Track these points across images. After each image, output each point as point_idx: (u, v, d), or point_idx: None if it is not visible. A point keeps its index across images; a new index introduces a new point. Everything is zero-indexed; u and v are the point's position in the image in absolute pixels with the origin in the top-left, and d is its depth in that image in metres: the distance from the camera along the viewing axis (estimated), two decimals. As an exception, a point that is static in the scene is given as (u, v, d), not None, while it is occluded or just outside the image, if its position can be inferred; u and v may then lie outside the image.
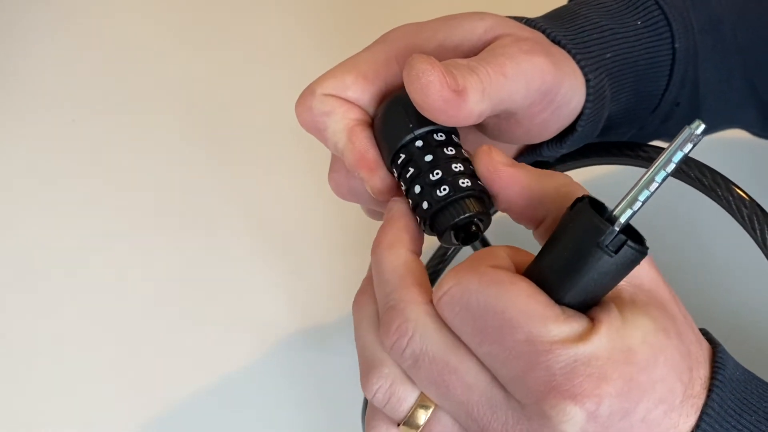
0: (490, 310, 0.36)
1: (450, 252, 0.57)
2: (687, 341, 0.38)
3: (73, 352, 0.61)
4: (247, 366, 0.61)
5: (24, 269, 0.65)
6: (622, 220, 0.34)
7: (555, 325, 0.35)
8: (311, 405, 0.60)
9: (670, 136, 0.54)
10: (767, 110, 0.54)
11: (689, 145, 0.34)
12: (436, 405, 0.39)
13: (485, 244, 0.51)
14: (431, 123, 0.42)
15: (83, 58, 0.75)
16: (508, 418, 0.37)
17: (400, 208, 0.42)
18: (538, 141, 0.47)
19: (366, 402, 0.43)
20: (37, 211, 0.67)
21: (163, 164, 0.70)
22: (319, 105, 0.43)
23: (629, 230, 0.35)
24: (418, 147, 0.42)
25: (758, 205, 0.46)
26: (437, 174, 0.41)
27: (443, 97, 0.40)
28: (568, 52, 0.46)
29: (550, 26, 0.47)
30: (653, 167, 0.34)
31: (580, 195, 0.39)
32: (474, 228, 0.41)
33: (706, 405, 0.38)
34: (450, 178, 0.41)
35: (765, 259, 0.45)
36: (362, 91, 0.43)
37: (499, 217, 0.44)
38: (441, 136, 0.42)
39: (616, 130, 0.51)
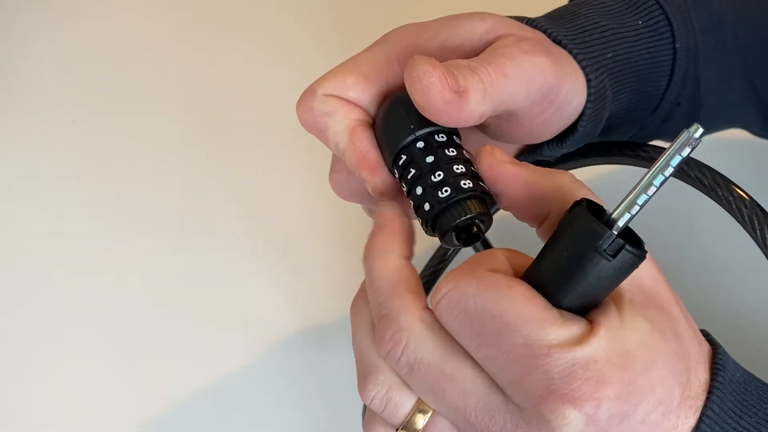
0: (488, 313, 0.36)
1: (450, 252, 0.57)
2: (685, 342, 0.38)
3: (73, 352, 0.61)
4: (247, 366, 0.61)
5: (24, 269, 0.65)
6: (620, 223, 0.34)
7: (553, 328, 0.35)
8: (311, 405, 0.60)
9: (670, 136, 0.54)
10: (767, 110, 0.54)
11: (687, 149, 0.33)
12: (434, 410, 0.39)
13: (486, 245, 0.51)
14: (432, 124, 0.42)
15: (83, 58, 0.75)
16: (506, 423, 0.37)
17: (388, 212, 0.41)
18: (539, 141, 0.47)
19: (365, 407, 0.43)
20: (37, 211, 0.67)
21: (163, 164, 0.70)
22: (320, 105, 0.43)
23: (627, 233, 0.35)
24: (419, 148, 0.42)
25: (758, 205, 0.46)
26: (439, 175, 0.41)
27: (444, 98, 0.40)
28: (569, 52, 0.46)
29: (551, 26, 0.47)
30: (651, 171, 0.34)
31: (582, 192, 0.39)
32: (475, 229, 0.41)
33: (706, 406, 0.37)
34: (451, 179, 0.41)
35: (765, 259, 0.45)
36: (363, 92, 0.43)
37: (500, 218, 0.44)
38: (442, 137, 0.42)
39: (617, 130, 0.51)
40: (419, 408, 0.39)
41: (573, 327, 0.36)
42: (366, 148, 0.43)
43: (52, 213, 0.67)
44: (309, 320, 0.63)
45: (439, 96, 0.40)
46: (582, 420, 0.35)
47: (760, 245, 0.45)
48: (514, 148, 0.50)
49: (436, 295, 0.37)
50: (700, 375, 0.38)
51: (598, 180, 0.63)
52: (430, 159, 0.42)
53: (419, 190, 0.41)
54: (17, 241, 0.66)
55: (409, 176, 0.42)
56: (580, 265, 0.35)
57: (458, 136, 0.43)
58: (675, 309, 0.38)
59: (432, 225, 0.42)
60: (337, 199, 0.48)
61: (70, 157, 0.70)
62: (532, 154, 0.49)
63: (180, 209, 0.68)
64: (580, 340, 0.35)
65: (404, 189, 0.43)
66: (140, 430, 0.59)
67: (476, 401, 0.37)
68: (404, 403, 0.39)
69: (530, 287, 0.36)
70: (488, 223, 0.42)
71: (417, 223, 0.42)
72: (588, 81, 0.46)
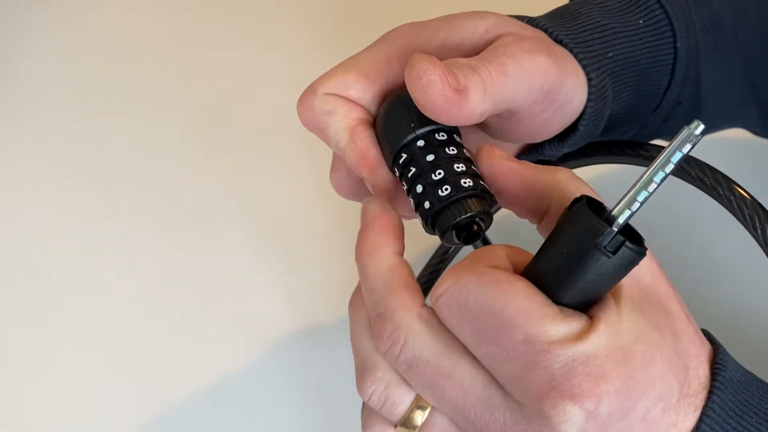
0: (488, 310, 0.36)
1: (451, 251, 0.57)
2: (684, 339, 0.38)
3: (73, 352, 0.61)
4: (247, 366, 0.61)
5: (24, 269, 0.64)
6: (621, 220, 0.34)
7: (553, 324, 0.35)
8: (311, 405, 0.60)
9: (671, 135, 0.53)
10: (768, 110, 0.54)
11: (688, 146, 0.33)
12: (433, 407, 0.39)
13: (486, 243, 0.51)
14: (433, 122, 0.42)
15: (83, 58, 0.75)
16: (506, 419, 0.37)
17: (374, 208, 0.41)
18: (540, 140, 0.47)
19: (364, 405, 0.43)
20: (37, 211, 0.67)
21: (163, 164, 0.70)
22: (320, 104, 0.43)
23: (628, 230, 0.35)
24: (419, 147, 0.42)
25: (760, 204, 0.46)
26: (439, 174, 0.41)
27: (444, 96, 0.40)
28: (570, 51, 0.46)
29: (552, 25, 0.47)
30: (652, 168, 0.34)
31: (580, 187, 0.39)
32: (476, 228, 0.41)
33: (706, 406, 0.38)
34: (452, 177, 0.41)
35: (766, 258, 0.45)
36: (364, 91, 0.43)
37: (500, 217, 0.44)
38: (443, 135, 0.42)
39: (618, 129, 0.51)
40: (418, 404, 0.39)
41: (573, 323, 0.36)
42: (366, 146, 0.43)
43: (52, 213, 0.67)
44: (309, 320, 0.63)
45: (439, 94, 0.40)
46: (582, 416, 0.35)
47: (761, 244, 0.45)
48: (515, 148, 0.50)
49: (436, 291, 0.37)
50: (700, 373, 0.38)
51: (599, 179, 0.62)
52: (430, 157, 0.42)
53: (420, 189, 0.41)
54: (17, 241, 0.66)
55: (409, 175, 0.42)
56: (580, 261, 0.35)
57: (459, 135, 0.43)
58: (675, 306, 0.38)
59: (432, 223, 0.42)
60: (337, 199, 0.48)
61: (70, 157, 0.70)
62: (533, 153, 0.49)
63: (180, 209, 0.68)
64: (580, 336, 0.35)
65: (404, 187, 0.43)
66: (140, 430, 0.59)
67: (475, 398, 0.37)
68: (402, 399, 0.39)
69: (530, 284, 0.36)
70: (488, 221, 0.42)
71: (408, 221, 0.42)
72: (589, 80, 0.46)
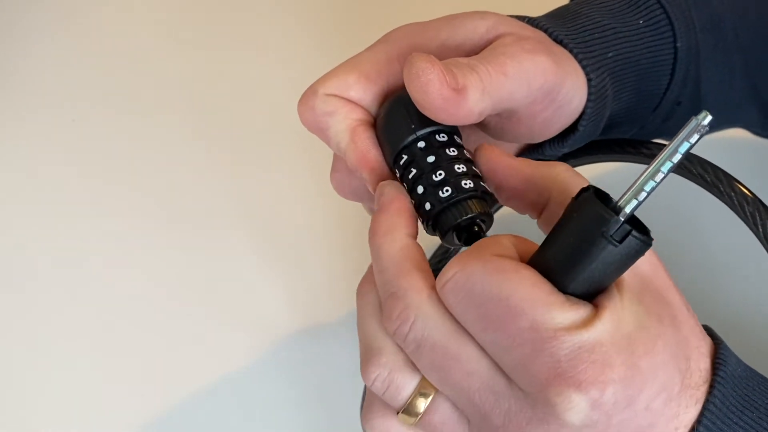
0: (494, 297, 0.36)
1: (451, 251, 0.57)
2: (684, 329, 0.38)
3: (73, 352, 0.61)
4: (247, 365, 0.61)
5: (24, 269, 0.64)
6: (627, 210, 0.34)
7: (560, 311, 0.35)
8: (311, 405, 0.60)
9: (671, 135, 0.53)
10: (768, 110, 0.54)
11: (696, 136, 0.34)
12: (436, 392, 0.39)
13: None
14: (433, 123, 0.42)
15: (83, 58, 0.75)
16: (511, 406, 0.37)
17: (391, 191, 0.42)
18: (539, 140, 0.47)
19: (364, 398, 0.43)
20: (37, 211, 0.67)
21: (163, 164, 0.70)
22: (321, 105, 0.43)
23: (634, 221, 0.35)
24: (420, 148, 0.42)
25: (760, 201, 0.46)
26: (440, 175, 0.41)
27: (443, 95, 0.40)
28: (570, 51, 0.46)
29: (552, 25, 0.47)
30: (660, 157, 0.34)
31: (578, 180, 0.40)
32: (476, 228, 0.41)
33: (707, 401, 0.38)
34: (452, 179, 0.41)
35: (767, 254, 0.46)
36: (364, 91, 0.43)
37: (500, 218, 0.44)
38: (443, 136, 0.42)
39: (618, 129, 0.51)
40: (421, 391, 0.39)
41: (579, 310, 0.36)
42: (367, 147, 0.43)
43: (52, 213, 0.67)
44: (309, 320, 0.63)
45: (437, 93, 0.40)
46: (587, 404, 0.35)
47: (762, 241, 0.46)
48: (515, 147, 0.50)
49: (442, 278, 0.38)
50: (701, 365, 0.38)
51: (600, 177, 0.62)
52: (431, 159, 0.42)
53: (420, 190, 0.42)
54: (17, 241, 0.66)
55: (410, 176, 0.42)
56: (586, 250, 0.35)
57: (459, 136, 0.43)
58: (674, 297, 0.38)
59: (433, 224, 0.42)
60: (337, 199, 0.48)
61: (70, 157, 0.69)
62: (533, 153, 0.50)
63: (180, 209, 0.68)
64: (586, 324, 0.35)
65: (405, 188, 0.43)
66: (140, 430, 0.59)
67: (480, 383, 0.37)
68: (406, 385, 0.39)
69: (536, 272, 0.37)
70: (489, 222, 0.42)
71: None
72: (589, 80, 0.46)
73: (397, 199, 0.41)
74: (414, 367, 0.39)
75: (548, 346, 0.35)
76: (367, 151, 0.43)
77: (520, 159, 0.42)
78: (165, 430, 0.59)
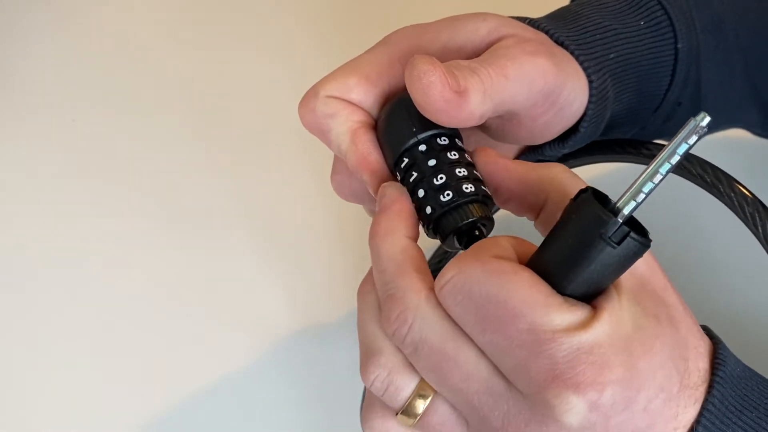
0: (492, 299, 0.36)
1: (451, 253, 0.57)
2: (682, 330, 0.38)
3: (73, 352, 0.61)
4: (247, 365, 0.61)
5: (24, 269, 0.64)
6: (626, 211, 0.34)
7: (558, 313, 0.36)
8: (311, 405, 0.60)
9: (671, 136, 0.53)
10: (768, 110, 0.54)
11: (694, 137, 0.34)
12: (435, 393, 0.39)
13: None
14: (435, 126, 0.42)
15: (83, 58, 0.75)
16: (509, 408, 0.37)
17: (392, 193, 0.42)
18: (540, 142, 0.47)
19: (363, 397, 0.43)
20: (37, 211, 0.67)
21: (163, 164, 0.70)
22: (322, 107, 0.43)
23: (632, 223, 0.35)
24: (421, 151, 0.42)
25: (760, 202, 0.46)
26: (441, 178, 0.41)
27: (444, 97, 0.40)
28: (571, 53, 0.46)
29: (553, 27, 0.47)
30: (658, 159, 0.34)
31: (575, 180, 0.40)
32: (477, 232, 0.41)
33: (707, 401, 0.38)
34: (454, 182, 0.41)
35: (767, 255, 0.46)
36: (365, 93, 0.43)
37: (500, 220, 0.44)
38: (444, 140, 0.42)
39: (618, 130, 0.51)
40: (420, 392, 0.39)
41: (577, 312, 0.36)
42: (368, 150, 0.43)
43: (52, 213, 0.67)
44: (309, 320, 0.63)
45: (439, 95, 0.40)
46: (585, 406, 0.35)
47: (761, 242, 0.46)
48: (515, 149, 0.50)
49: (440, 280, 0.38)
50: (700, 365, 0.38)
51: (600, 178, 0.62)
52: (432, 162, 0.42)
53: (421, 193, 0.42)
54: (17, 241, 0.66)
55: (411, 179, 0.42)
56: (584, 251, 0.35)
57: (460, 139, 0.43)
58: (672, 297, 0.38)
59: (434, 228, 0.42)
60: (337, 200, 0.48)
61: (70, 157, 0.69)
62: (533, 154, 0.50)
63: (180, 209, 0.68)
64: (584, 325, 0.35)
65: (406, 191, 0.43)
66: (140, 430, 0.59)
67: (479, 384, 0.37)
68: (405, 386, 0.39)
69: (535, 274, 0.37)
70: (490, 226, 0.42)
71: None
72: (590, 82, 0.46)
73: (398, 201, 0.41)
74: (413, 368, 0.39)
75: (546, 347, 0.35)
76: (368, 153, 0.43)
77: (516, 161, 0.42)
78: (165, 430, 0.59)
